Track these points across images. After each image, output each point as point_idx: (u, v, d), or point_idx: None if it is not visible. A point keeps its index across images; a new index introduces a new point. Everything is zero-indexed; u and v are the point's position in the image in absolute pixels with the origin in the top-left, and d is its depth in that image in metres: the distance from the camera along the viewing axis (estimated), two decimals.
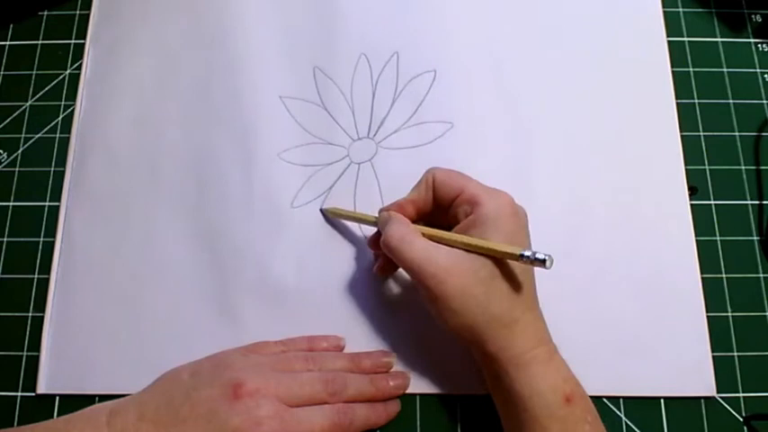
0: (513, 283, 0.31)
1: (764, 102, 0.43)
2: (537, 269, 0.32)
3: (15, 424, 0.37)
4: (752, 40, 0.45)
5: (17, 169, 0.42)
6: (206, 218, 0.40)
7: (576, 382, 0.32)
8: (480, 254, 0.31)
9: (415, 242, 0.32)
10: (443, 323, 0.32)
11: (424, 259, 0.31)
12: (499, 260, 0.31)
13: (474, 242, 0.31)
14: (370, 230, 0.38)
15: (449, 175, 0.35)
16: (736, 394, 0.37)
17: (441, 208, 0.35)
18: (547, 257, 0.29)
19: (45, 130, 0.43)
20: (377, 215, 0.36)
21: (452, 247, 0.32)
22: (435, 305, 0.32)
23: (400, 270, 0.38)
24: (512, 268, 0.32)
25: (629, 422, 0.36)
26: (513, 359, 0.31)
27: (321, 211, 0.40)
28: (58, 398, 0.37)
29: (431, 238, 0.33)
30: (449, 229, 0.34)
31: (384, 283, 0.39)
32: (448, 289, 0.31)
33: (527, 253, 0.29)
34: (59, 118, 0.43)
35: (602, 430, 0.31)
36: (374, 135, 0.42)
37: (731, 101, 0.43)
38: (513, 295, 0.31)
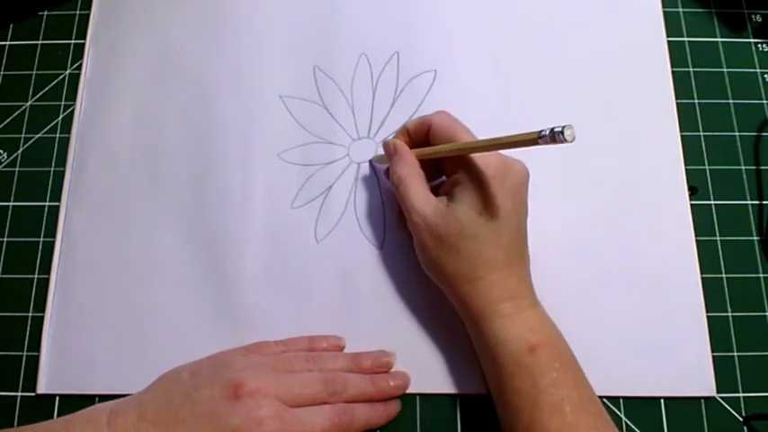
0: (480, 243, 0.32)
1: (764, 102, 0.43)
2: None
3: (15, 424, 0.37)
4: (752, 40, 0.45)
5: (17, 169, 0.42)
6: (206, 218, 0.40)
7: (549, 332, 0.33)
8: (493, 148, 0.31)
9: (411, 186, 0.35)
10: (424, 268, 0.36)
11: (413, 206, 0.34)
12: (467, 221, 0.32)
13: (480, 143, 0.32)
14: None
15: (443, 124, 0.35)
16: (736, 394, 0.37)
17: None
18: (566, 127, 0.26)
19: (45, 130, 0.43)
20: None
21: (459, 154, 0.34)
22: (417, 251, 0.35)
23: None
24: (480, 231, 0.32)
25: (629, 422, 0.36)
26: (477, 311, 0.33)
27: (370, 162, 0.41)
28: (57, 398, 0.37)
29: (431, 154, 0.35)
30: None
31: (384, 283, 0.39)
32: (425, 239, 0.34)
33: (545, 132, 0.27)
34: (59, 118, 0.43)
35: (577, 376, 0.32)
36: (374, 135, 0.42)
37: (731, 101, 0.43)
38: (479, 255, 0.33)
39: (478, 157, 0.33)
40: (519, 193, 0.33)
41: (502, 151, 0.34)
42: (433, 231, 0.33)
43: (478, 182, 0.33)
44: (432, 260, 0.34)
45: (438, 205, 0.34)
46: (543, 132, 0.27)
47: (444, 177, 0.37)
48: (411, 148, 0.37)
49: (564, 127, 0.26)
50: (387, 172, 0.39)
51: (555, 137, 0.26)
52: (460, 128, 0.35)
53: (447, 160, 0.35)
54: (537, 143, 0.27)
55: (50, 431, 0.32)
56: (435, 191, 0.36)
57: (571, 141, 0.26)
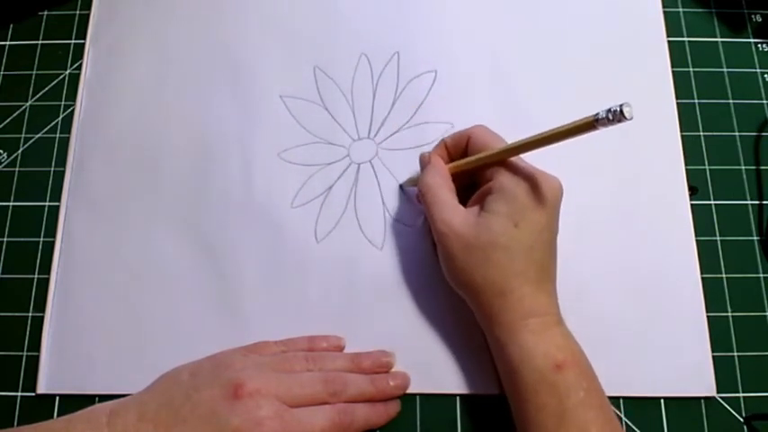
0: (513, 255, 0.32)
1: (764, 102, 0.43)
2: None
3: (15, 424, 0.37)
4: (752, 40, 0.45)
5: (17, 169, 0.42)
6: (206, 217, 0.40)
7: (574, 351, 0.32)
8: (543, 143, 0.31)
9: (439, 196, 0.34)
10: (448, 278, 0.35)
11: (439, 215, 0.34)
12: (501, 231, 0.31)
13: (528, 141, 0.31)
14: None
15: (483, 136, 0.35)
16: (736, 394, 0.37)
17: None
18: (623, 104, 0.25)
19: (45, 130, 0.43)
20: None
21: (500, 158, 0.33)
22: (442, 260, 0.35)
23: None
24: (513, 242, 0.32)
25: (629, 422, 0.36)
26: (504, 325, 0.32)
27: (400, 186, 0.40)
28: (57, 398, 0.37)
29: (471, 163, 0.34)
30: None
31: (384, 283, 0.39)
32: (452, 248, 0.33)
33: (601, 114, 0.25)
34: (59, 118, 0.43)
35: (602, 398, 0.31)
36: (374, 136, 0.42)
37: (731, 101, 0.43)
38: (511, 267, 0.32)
39: (515, 169, 0.33)
40: (553, 209, 0.33)
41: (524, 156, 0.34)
42: (461, 240, 0.32)
43: (514, 193, 0.32)
44: (458, 270, 0.33)
45: (467, 214, 0.33)
46: (599, 115, 0.26)
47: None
48: (448, 162, 0.36)
49: (621, 105, 0.25)
50: (418, 197, 0.38)
51: (614, 117, 0.25)
52: (500, 140, 0.35)
53: (481, 171, 0.34)
54: (595, 128, 0.26)
55: (50, 431, 0.32)
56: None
57: (631, 119, 0.25)
